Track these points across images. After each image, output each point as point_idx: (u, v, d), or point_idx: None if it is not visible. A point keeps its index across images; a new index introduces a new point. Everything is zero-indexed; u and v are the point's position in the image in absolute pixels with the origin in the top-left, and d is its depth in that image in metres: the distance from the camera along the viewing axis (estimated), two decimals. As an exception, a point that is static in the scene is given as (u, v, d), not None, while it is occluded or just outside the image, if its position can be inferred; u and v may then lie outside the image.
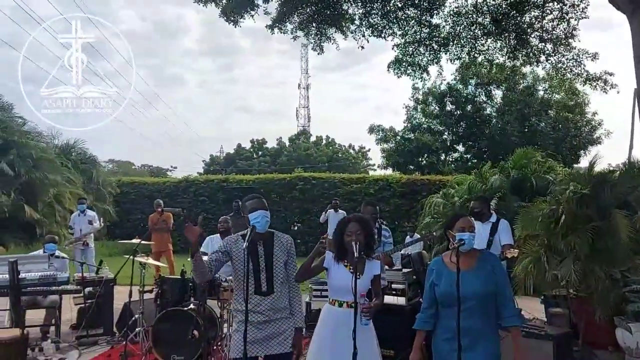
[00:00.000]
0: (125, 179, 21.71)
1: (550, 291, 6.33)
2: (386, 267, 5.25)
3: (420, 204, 13.23)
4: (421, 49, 10.13)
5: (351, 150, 49.75)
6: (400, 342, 4.68)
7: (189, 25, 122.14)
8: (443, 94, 26.44)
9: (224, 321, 5.63)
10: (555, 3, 9.20)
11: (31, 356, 5.51)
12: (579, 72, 10.03)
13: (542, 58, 9.75)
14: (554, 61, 9.80)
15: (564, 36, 9.45)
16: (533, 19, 9.36)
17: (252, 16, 9.75)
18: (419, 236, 9.68)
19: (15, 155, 14.26)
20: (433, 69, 10.94)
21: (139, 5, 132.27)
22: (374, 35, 10.07)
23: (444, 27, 10.14)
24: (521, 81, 24.75)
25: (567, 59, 9.73)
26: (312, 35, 10.12)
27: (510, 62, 10.23)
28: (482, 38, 9.80)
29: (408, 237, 11.58)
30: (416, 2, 9.69)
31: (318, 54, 10.52)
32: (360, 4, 9.82)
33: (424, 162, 27.19)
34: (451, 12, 10.00)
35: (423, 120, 27.67)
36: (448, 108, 26.83)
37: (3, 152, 14.12)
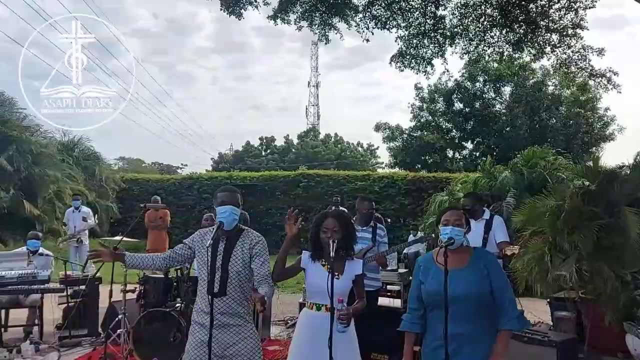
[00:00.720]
0: (129, 175, 21.60)
1: (556, 293, 5.98)
2: (380, 267, 4.93)
3: (426, 202, 12.89)
4: (425, 41, 9.75)
5: (359, 148, 49.37)
6: (395, 346, 4.36)
7: (201, 22, 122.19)
8: (450, 91, 26.00)
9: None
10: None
11: (8, 358, 5.29)
12: (584, 66, 9.65)
13: (548, 49, 9.34)
14: (559, 53, 9.40)
15: (570, 26, 9.05)
16: (540, 8, 8.96)
17: (257, 7, 9.48)
18: (421, 235, 9.36)
19: (14, 151, 14.07)
20: (438, 63, 10.62)
21: (152, 2, 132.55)
22: (378, 27, 9.73)
23: (450, 19, 9.80)
24: (530, 77, 24.23)
25: (572, 52, 9.32)
26: (316, 26, 9.81)
27: (515, 53, 9.83)
28: (490, 30, 9.40)
29: (411, 236, 11.26)
30: (421, -8, 9.36)
31: (325, 44, 10.29)
32: (363, -7, 9.51)
33: (431, 160, 26.78)
34: (458, 4, 9.66)
35: (430, 118, 27.24)
36: (456, 105, 26.39)
37: (2, 147, 13.93)
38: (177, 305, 5.28)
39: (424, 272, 2.86)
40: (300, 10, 9.71)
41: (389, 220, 14.53)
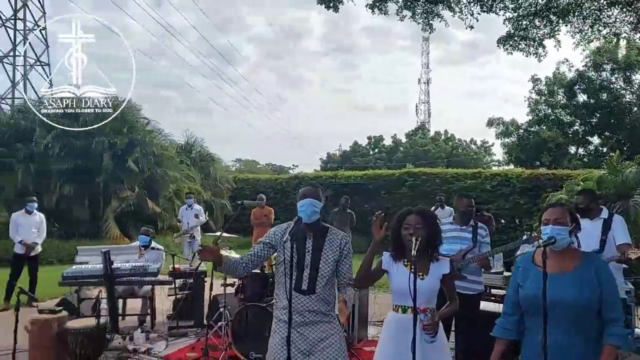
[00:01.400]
0: (242, 175, 22.64)
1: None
2: (483, 270, 4.58)
3: (542, 202, 11.96)
4: (536, 22, 9.01)
5: (472, 146, 47.45)
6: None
7: (312, 26, 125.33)
8: (572, 82, 23.98)
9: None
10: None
11: (122, 344, 5.66)
12: None
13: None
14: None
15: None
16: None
17: None
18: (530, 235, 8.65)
19: (139, 153, 15.31)
20: (550, 45, 9.75)
21: (266, 9, 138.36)
22: (484, 11, 9.18)
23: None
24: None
25: None
26: (419, 15, 9.50)
27: (636, 35, 8.75)
28: (608, 9, 8.45)
29: (525, 237, 10.50)
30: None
31: (429, 33, 9.99)
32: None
33: (550, 157, 24.87)
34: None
35: (549, 111, 25.33)
36: (579, 97, 24.29)
37: (130, 151, 15.21)
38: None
39: (523, 274, 2.56)
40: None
41: (502, 221, 13.68)
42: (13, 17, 32.98)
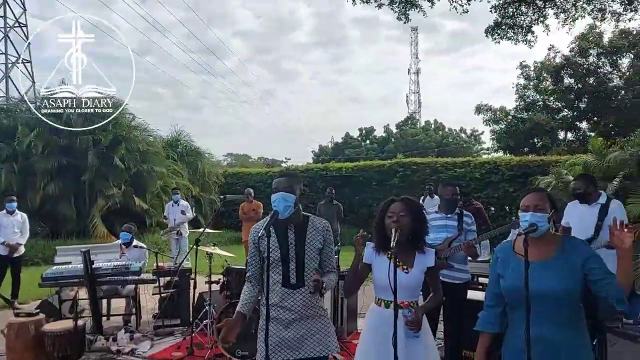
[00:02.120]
0: (231, 170, 22.42)
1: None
2: (469, 258, 4.49)
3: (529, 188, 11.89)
4: (522, 8, 8.91)
5: (462, 135, 47.46)
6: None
7: (301, 19, 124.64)
8: (559, 67, 23.96)
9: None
10: None
11: (105, 345, 5.55)
12: None
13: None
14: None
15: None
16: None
17: None
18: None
19: (124, 149, 15.10)
20: (539, 31, 9.65)
21: (253, 2, 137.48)
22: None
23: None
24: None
25: None
26: (397, 4, 9.37)
27: (625, 13, 8.67)
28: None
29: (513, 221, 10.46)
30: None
31: (404, 22, 9.81)
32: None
33: (540, 143, 24.87)
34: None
35: (537, 97, 25.33)
36: (566, 82, 24.29)
37: (114, 147, 14.99)
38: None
39: (502, 265, 2.46)
40: None
41: (492, 208, 13.65)
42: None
